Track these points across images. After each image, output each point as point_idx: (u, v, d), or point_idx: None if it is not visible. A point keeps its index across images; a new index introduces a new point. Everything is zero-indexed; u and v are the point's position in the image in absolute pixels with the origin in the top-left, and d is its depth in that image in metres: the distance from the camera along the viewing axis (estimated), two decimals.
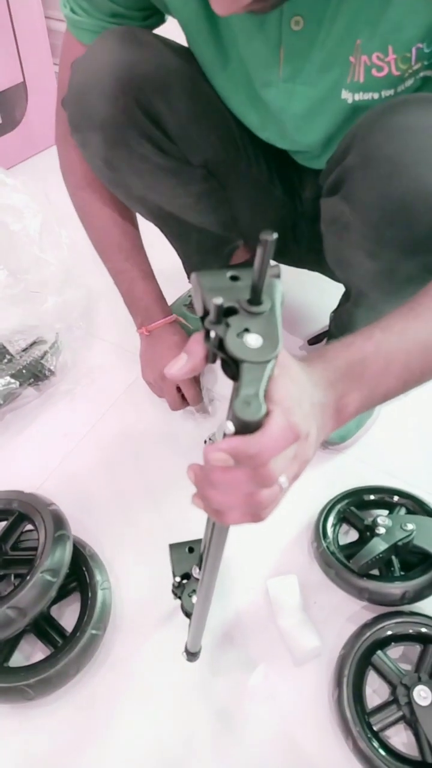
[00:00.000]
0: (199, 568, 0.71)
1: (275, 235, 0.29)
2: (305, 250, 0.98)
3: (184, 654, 0.68)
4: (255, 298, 0.32)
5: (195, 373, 0.36)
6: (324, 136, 0.76)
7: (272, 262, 0.32)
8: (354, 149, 0.66)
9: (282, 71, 0.70)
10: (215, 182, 0.86)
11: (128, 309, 0.99)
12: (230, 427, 0.33)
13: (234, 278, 0.34)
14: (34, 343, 1.08)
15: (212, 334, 0.33)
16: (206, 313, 0.33)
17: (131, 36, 0.73)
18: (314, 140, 0.77)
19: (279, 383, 0.35)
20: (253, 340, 0.32)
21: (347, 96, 0.68)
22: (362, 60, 0.64)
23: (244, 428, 0.32)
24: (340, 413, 0.45)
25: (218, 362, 0.35)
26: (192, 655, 0.67)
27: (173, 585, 0.71)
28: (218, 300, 0.31)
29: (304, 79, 0.69)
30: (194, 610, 0.58)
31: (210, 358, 0.35)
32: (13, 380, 1.02)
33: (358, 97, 0.68)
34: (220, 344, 0.32)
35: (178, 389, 1.00)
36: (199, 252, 1.06)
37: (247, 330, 0.32)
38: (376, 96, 0.67)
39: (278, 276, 0.35)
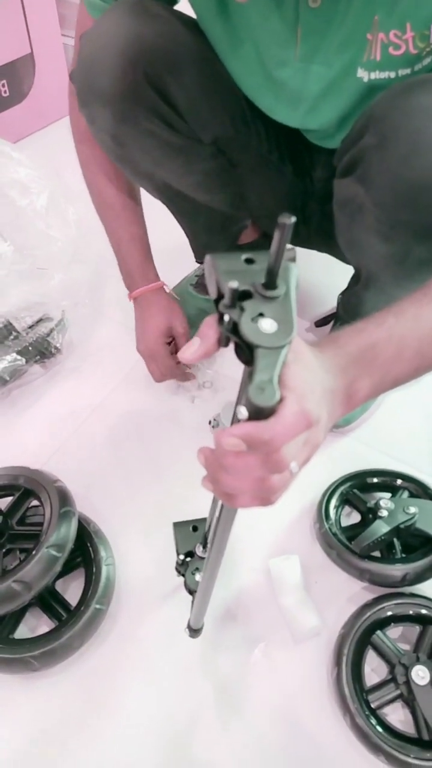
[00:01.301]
0: (203, 547, 0.72)
1: (293, 219, 0.28)
2: (315, 230, 0.97)
3: (187, 630, 0.69)
4: (270, 282, 0.32)
5: (208, 357, 0.36)
6: (338, 116, 0.74)
7: (288, 246, 0.32)
8: (370, 129, 0.64)
9: (299, 50, 0.68)
10: (224, 160, 0.84)
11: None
12: (243, 412, 0.33)
13: (249, 261, 0.33)
14: (40, 320, 1.08)
15: (226, 317, 0.32)
16: (220, 296, 0.33)
17: (141, 8, 0.71)
18: (329, 120, 0.76)
19: (293, 369, 0.35)
20: (268, 325, 0.32)
21: (363, 74, 0.67)
22: (379, 37, 0.63)
23: (258, 414, 0.32)
24: (350, 398, 0.45)
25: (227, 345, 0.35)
26: (194, 631, 0.69)
27: (177, 563, 0.72)
28: (233, 284, 0.31)
29: (320, 59, 0.68)
30: (199, 587, 0.59)
31: (223, 342, 0.35)
32: (19, 357, 1.03)
33: (374, 75, 0.66)
34: (234, 328, 0.32)
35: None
36: (207, 231, 1.05)
37: (261, 314, 0.32)
38: (392, 75, 0.66)
39: (293, 260, 0.34)
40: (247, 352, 0.32)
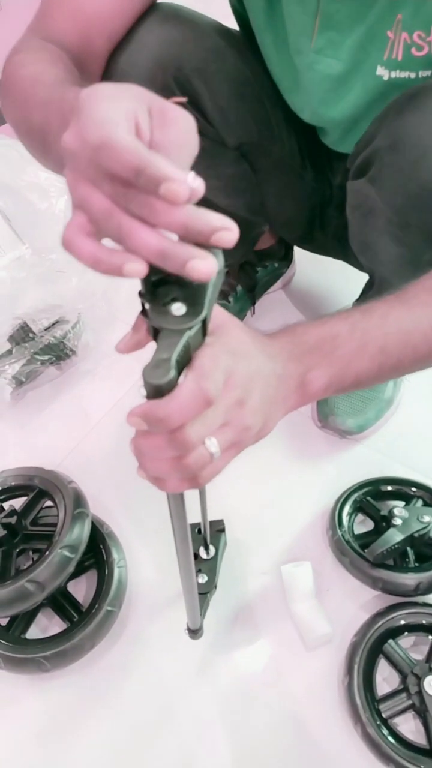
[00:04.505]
0: (206, 549, 0.73)
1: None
2: (331, 237, 0.97)
3: (186, 631, 0.69)
4: None
5: (140, 347, 0.37)
6: (351, 113, 0.74)
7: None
8: (382, 132, 0.65)
9: (315, 41, 0.68)
10: (247, 165, 0.85)
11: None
12: (143, 391, 0.34)
13: None
14: (56, 323, 1.09)
15: (147, 306, 0.34)
16: None
17: (173, 14, 0.72)
18: (340, 116, 0.75)
19: (207, 351, 0.35)
20: (176, 308, 0.33)
21: (383, 73, 0.67)
22: (402, 37, 0.63)
23: (155, 392, 0.33)
24: (305, 387, 0.45)
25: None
26: (193, 632, 0.68)
27: None
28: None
29: (335, 53, 0.68)
30: (182, 585, 0.58)
31: (151, 332, 0.35)
32: (35, 358, 1.03)
33: (395, 74, 0.67)
34: (147, 314, 0.34)
35: None
36: None
37: (174, 299, 0.33)
38: (412, 75, 0.66)
39: (218, 248, 0.35)
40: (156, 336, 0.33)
